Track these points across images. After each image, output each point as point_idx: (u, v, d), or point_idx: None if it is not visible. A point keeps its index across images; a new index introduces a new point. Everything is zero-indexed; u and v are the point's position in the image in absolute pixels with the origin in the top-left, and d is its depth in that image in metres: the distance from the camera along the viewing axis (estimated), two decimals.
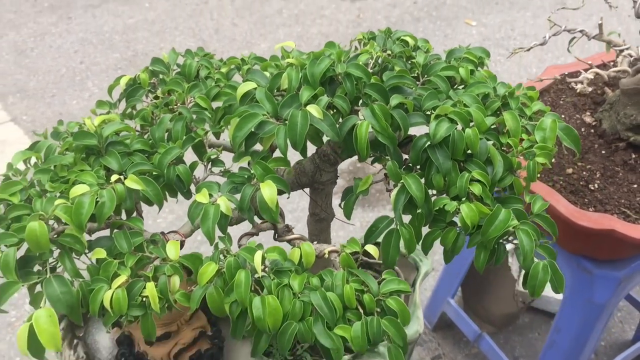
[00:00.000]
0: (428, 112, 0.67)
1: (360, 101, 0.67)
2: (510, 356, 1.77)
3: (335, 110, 0.65)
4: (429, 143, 0.66)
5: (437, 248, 0.69)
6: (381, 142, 0.66)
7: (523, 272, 1.89)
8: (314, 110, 0.62)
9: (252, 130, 0.62)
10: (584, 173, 1.22)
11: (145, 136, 0.72)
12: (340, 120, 0.65)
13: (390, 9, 3.06)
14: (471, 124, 0.66)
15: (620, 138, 1.25)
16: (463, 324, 1.75)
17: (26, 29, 2.96)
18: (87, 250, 0.64)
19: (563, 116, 1.33)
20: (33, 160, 0.71)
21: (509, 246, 0.68)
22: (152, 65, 0.81)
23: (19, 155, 0.70)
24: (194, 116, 0.72)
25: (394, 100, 0.65)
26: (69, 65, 2.76)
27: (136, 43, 2.86)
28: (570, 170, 1.23)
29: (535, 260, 0.66)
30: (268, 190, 0.61)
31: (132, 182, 0.64)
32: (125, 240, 0.62)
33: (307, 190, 0.77)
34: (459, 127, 0.65)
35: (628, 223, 1.14)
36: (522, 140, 0.70)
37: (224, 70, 0.80)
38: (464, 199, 0.66)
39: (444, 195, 0.67)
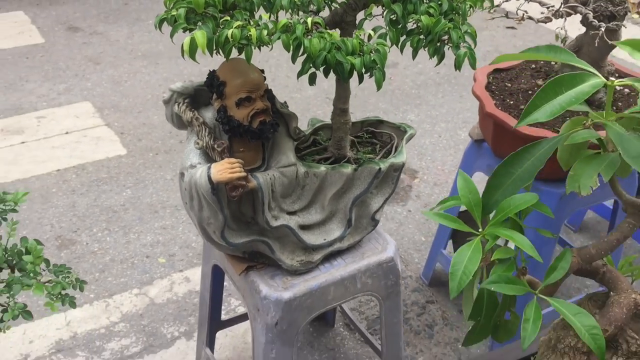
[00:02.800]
0: None
1: None
2: None
3: None
4: None
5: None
6: None
7: None
8: None
9: None
10: None
11: None
12: None
13: (416, 75, 3.70)
14: None
15: None
16: None
17: (122, 68, 3.68)
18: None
19: (524, 80, 1.87)
20: None
21: None
22: None
23: None
24: None
25: None
26: (154, 94, 3.43)
27: None
28: (522, 107, 1.75)
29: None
30: None
31: None
32: (239, 14, 1.18)
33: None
34: None
35: (555, 133, 1.64)
36: None
37: None
38: (424, 16, 1.20)
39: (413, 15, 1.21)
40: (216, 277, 1.69)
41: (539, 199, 0.89)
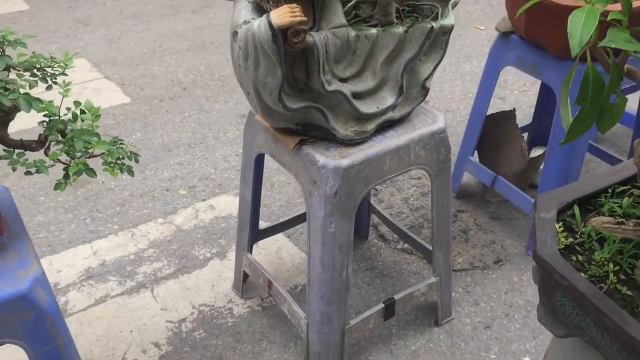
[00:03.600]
0: None
1: None
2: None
3: None
4: None
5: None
6: None
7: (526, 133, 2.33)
8: None
9: None
10: None
11: None
12: None
13: None
14: None
15: None
16: (481, 174, 2.16)
17: (113, 27, 3.60)
18: None
19: None
20: None
21: None
22: None
23: None
24: None
25: None
26: (150, 48, 3.36)
27: (204, 36, 3.48)
28: None
29: None
30: None
31: None
32: None
33: None
34: None
35: None
36: None
37: None
38: None
39: None
40: (257, 172, 1.64)
41: None
